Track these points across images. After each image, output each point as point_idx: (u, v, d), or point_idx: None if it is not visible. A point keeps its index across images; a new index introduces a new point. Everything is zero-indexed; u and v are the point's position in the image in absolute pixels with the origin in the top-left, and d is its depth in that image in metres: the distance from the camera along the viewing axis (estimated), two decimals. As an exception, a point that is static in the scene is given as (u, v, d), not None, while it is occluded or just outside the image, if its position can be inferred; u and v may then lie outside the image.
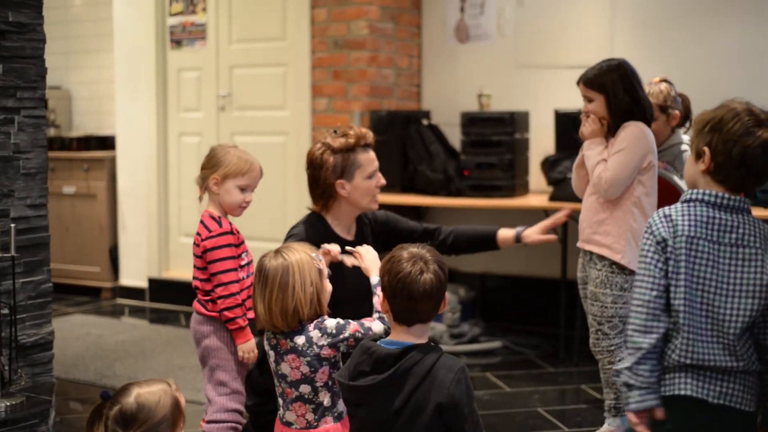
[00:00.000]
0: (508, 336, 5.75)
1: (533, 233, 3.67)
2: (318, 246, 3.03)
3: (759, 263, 2.36)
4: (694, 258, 2.38)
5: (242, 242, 3.33)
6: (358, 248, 3.09)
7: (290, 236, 3.49)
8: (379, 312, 2.82)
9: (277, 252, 2.81)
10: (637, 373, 2.39)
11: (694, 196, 2.42)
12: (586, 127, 3.65)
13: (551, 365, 5.21)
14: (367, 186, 3.51)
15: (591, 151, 3.64)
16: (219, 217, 3.28)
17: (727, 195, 2.40)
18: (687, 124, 4.27)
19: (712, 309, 2.37)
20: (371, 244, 3.26)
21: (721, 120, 2.41)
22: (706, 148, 2.41)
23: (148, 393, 2.27)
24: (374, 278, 2.93)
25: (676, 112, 4.14)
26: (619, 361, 2.54)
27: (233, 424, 3.27)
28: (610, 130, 3.60)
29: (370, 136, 3.55)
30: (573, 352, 5.29)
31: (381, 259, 2.75)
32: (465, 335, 5.60)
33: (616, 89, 3.54)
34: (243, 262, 3.30)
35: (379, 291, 2.77)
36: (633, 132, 3.55)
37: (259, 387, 3.50)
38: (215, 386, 3.27)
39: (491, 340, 5.62)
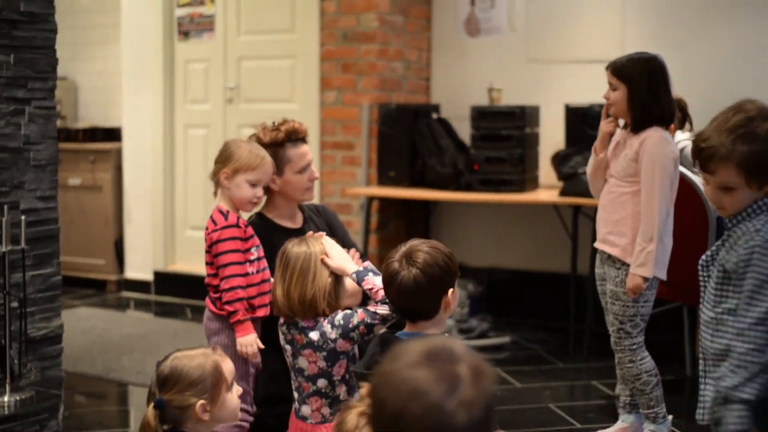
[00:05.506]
0: (516, 331, 5.73)
1: None
2: (265, 238, 3.05)
3: None
4: None
5: (251, 236, 3.25)
6: (324, 240, 2.89)
7: None
8: (377, 300, 2.72)
9: (302, 240, 2.85)
10: (758, 389, 2.30)
11: None
12: (604, 126, 3.61)
13: (561, 361, 5.18)
14: (298, 180, 3.41)
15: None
16: (227, 212, 3.23)
17: None
18: (687, 125, 4.30)
19: None
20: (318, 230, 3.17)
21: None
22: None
23: (185, 356, 2.32)
24: (352, 270, 2.81)
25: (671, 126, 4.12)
26: (728, 380, 2.32)
27: (238, 423, 3.23)
28: (632, 125, 3.56)
29: (302, 130, 3.44)
30: (582, 348, 5.25)
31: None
32: (474, 330, 5.57)
33: (641, 83, 3.49)
34: (252, 257, 3.23)
35: (370, 279, 2.74)
36: (654, 158, 3.44)
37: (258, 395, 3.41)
38: None
39: (500, 335, 5.60)
